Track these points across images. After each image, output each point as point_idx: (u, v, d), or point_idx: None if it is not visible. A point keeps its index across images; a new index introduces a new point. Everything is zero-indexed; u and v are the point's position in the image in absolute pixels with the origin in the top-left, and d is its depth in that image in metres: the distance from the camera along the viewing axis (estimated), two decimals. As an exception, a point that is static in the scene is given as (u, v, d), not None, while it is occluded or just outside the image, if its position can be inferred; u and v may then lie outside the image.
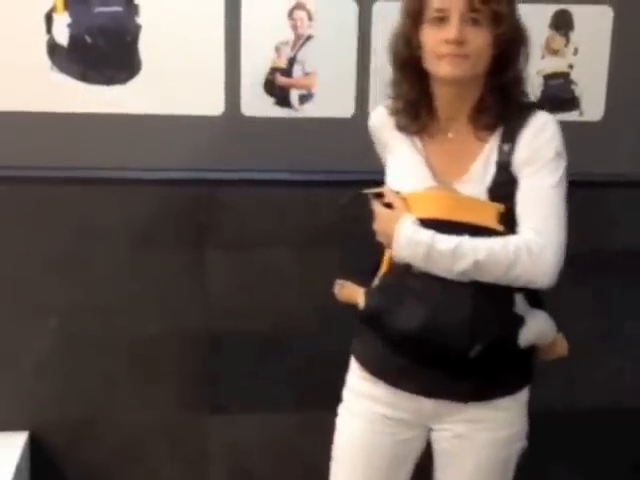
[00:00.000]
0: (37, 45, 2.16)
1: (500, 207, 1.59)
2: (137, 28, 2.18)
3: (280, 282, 2.37)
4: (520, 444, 1.76)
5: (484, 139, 1.65)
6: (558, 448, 2.46)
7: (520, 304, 1.65)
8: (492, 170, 1.62)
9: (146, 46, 2.19)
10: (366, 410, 1.76)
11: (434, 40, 1.59)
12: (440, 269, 1.57)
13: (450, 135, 1.68)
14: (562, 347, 1.75)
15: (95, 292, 2.33)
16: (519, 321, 1.62)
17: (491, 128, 1.64)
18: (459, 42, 1.56)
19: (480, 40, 1.57)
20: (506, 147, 1.61)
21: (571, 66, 2.33)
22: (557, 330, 1.73)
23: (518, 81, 1.66)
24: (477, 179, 1.63)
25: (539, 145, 1.59)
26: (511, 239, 1.56)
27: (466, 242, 1.55)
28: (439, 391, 1.68)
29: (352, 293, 1.75)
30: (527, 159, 1.59)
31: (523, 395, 1.73)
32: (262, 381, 2.42)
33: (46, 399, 2.38)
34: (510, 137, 1.61)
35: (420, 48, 1.63)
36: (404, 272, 1.64)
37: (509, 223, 1.59)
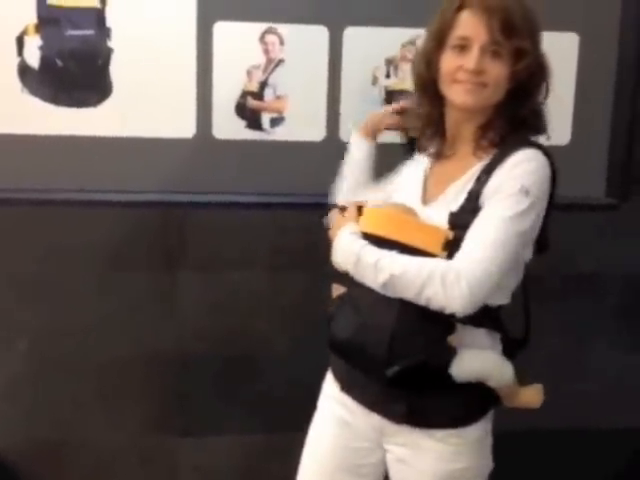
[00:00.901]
0: (8, 67, 2.16)
1: (449, 234, 1.55)
2: (109, 51, 2.19)
3: (250, 304, 2.38)
4: None
5: (480, 158, 1.62)
6: (519, 471, 2.45)
7: (468, 337, 1.59)
8: (463, 196, 1.59)
9: (117, 69, 2.20)
10: (334, 413, 1.76)
11: (452, 65, 1.59)
12: (367, 280, 1.57)
13: (450, 154, 1.69)
14: (532, 398, 1.69)
15: (64, 314, 2.32)
16: (450, 352, 1.57)
17: (488, 149, 1.61)
18: (477, 72, 1.56)
19: (497, 72, 1.57)
20: (483, 177, 1.58)
21: (538, 92, 2.36)
22: (527, 380, 1.68)
23: (533, 114, 1.65)
24: (448, 201, 1.61)
25: (509, 178, 1.55)
26: (429, 262, 1.51)
27: (388, 256, 1.54)
28: (379, 407, 1.66)
29: None
30: (494, 190, 1.55)
31: (472, 432, 1.66)
32: (232, 403, 2.42)
33: (14, 421, 2.37)
34: (490, 168, 1.58)
35: (438, 71, 1.63)
36: (351, 281, 1.64)
37: (456, 250, 1.54)
